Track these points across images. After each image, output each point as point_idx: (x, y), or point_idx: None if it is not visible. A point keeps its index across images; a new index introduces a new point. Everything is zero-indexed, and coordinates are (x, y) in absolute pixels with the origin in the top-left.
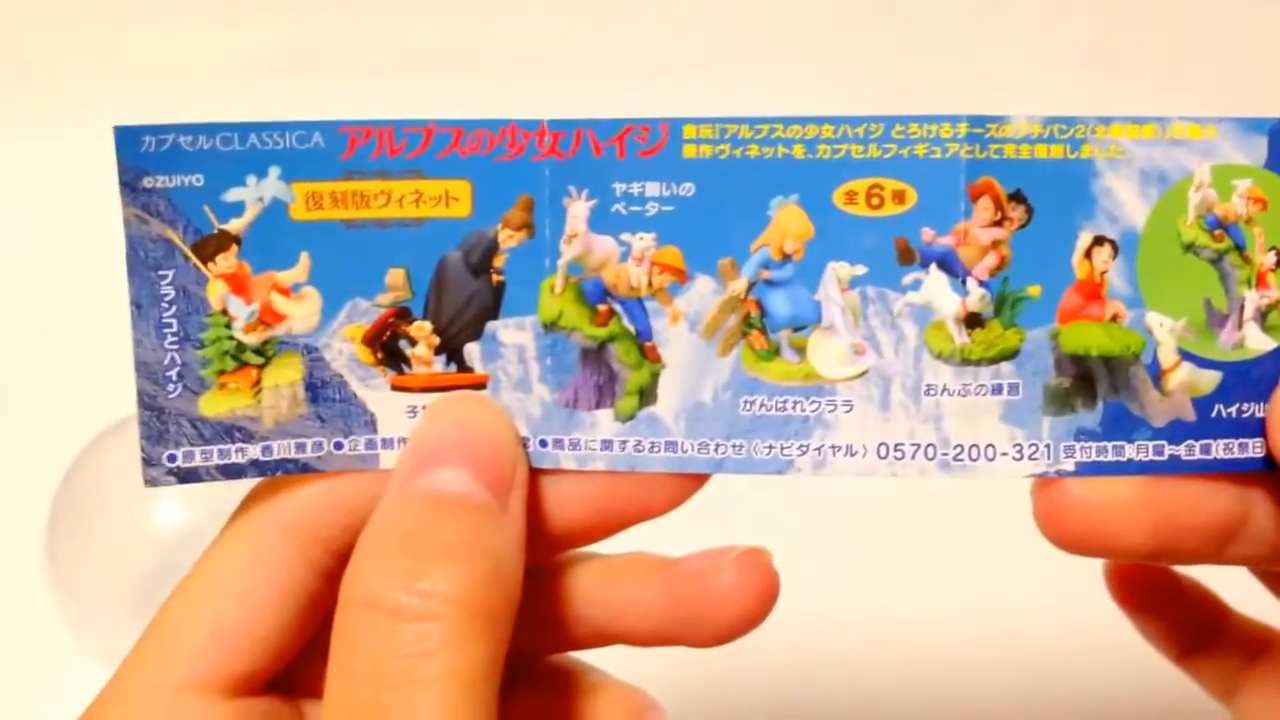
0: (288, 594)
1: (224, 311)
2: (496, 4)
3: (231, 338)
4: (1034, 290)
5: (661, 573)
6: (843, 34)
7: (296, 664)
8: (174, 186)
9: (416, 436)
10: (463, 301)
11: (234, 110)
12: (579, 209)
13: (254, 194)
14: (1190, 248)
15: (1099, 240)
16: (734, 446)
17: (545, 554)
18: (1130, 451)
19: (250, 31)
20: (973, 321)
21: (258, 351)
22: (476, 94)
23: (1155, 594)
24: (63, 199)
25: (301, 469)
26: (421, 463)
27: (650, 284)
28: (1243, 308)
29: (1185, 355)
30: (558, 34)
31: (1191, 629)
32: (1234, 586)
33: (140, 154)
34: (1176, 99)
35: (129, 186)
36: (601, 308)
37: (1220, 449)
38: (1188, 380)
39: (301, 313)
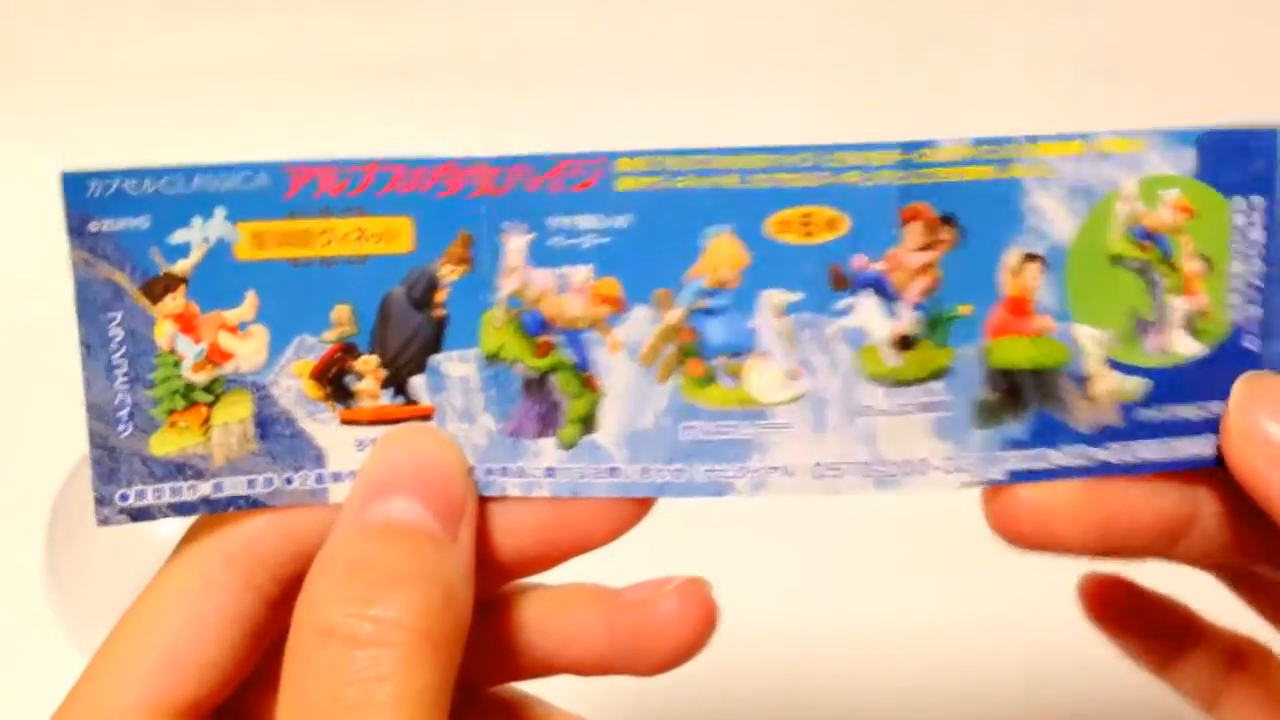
0: (234, 621)
1: (172, 351)
2: (485, 7)
3: (180, 377)
4: (964, 309)
5: (604, 603)
6: (836, 36)
7: (241, 693)
8: (120, 230)
9: (368, 468)
10: (407, 336)
11: (231, 113)
12: (516, 243)
13: (200, 235)
14: (1118, 260)
15: (1028, 257)
16: (674, 471)
17: (494, 584)
18: (1058, 458)
19: (250, 35)
20: (904, 344)
21: (207, 390)
22: (464, 98)
23: (1125, 610)
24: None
25: (252, 505)
26: (373, 493)
27: (588, 315)
28: (1170, 315)
29: (1113, 364)
30: (551, 37)
31: (1166, 642)
32: (1210, 593)
33: (86, 199)
34: (1173, 99)
35: (75, 231)
36: (541, 339)
37: (1148, 451)
38: (1115, 388)
39: (249, 350)
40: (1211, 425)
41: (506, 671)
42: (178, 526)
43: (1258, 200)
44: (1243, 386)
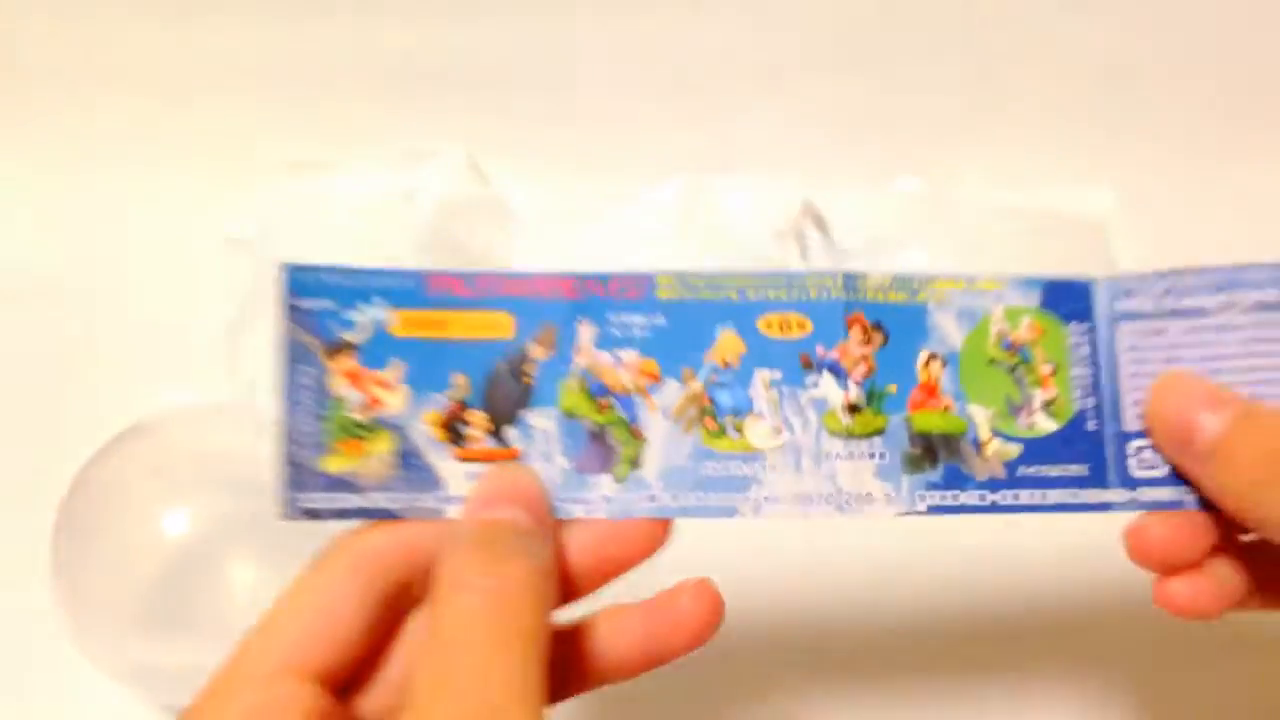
0: (356, 611)
1: (342, 398)
2: (499, 15)
3: (347, 416)
4: (892, 388)
5: (638, 611)
6: (839, 47)
7: (360, 669)
8: (314, 309)
9: (480, 488)
10: (506, 397)
11: (234, 118)
12: (586, 334)
13: (367, 316)
14: (994, 361)
15: (933, 356)
16: (697, 498)
17: (566, 597)
18: (964, 498)
19: (251, 39)
20: (853, 410)
21: (364, 428)
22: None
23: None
24: (69, 205)
25: (390, 516)
26: (486, 503)
27: (636, 385)
28: (1033, 401)
29: (996, 433)
30: (557, 44)
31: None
32: None
33: (295, 284)
34: (1177, 105)
35: (290, 307)
36: (602, 401)
37: (1026, 497)
38: (999, 450)
39: (394, 402)
40: (1066, 480)
41: (568, 688)
42: (186, 530)
43: (1083, 326)
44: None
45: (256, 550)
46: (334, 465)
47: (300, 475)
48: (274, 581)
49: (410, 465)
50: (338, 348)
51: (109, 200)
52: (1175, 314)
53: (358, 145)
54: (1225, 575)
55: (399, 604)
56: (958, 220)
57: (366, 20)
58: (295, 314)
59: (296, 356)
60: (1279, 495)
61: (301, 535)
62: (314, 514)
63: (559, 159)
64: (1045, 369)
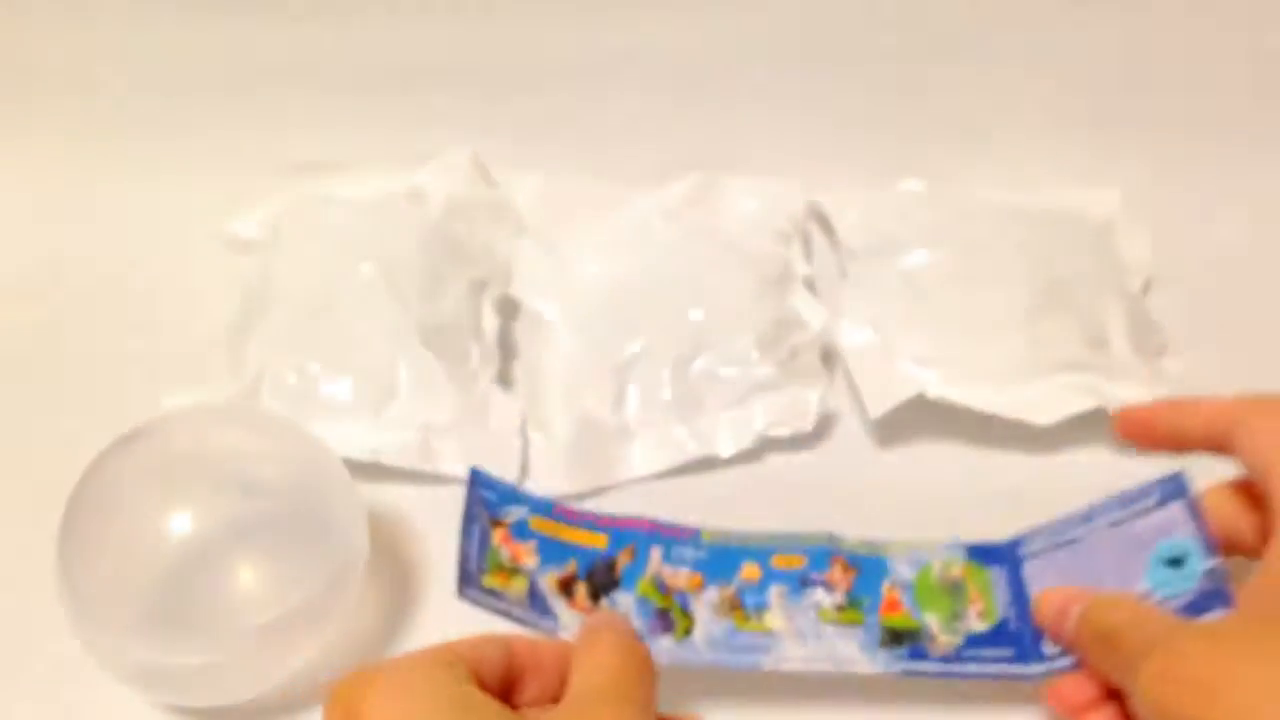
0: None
1: (497, 548)
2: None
3: (499, 560)
4: (866, 600)
5: None
6: (845, 48)
7: None
8: (486, 497)
9: (589, 621)
10: (601, 582)
11: (240, 119)
12: (656, 554)
13: (515, 514)
14: (938, 589)
15: (893, 585)
16: (731, 658)
17: None
18: (924, 667)
19: (256, 41)
20: (839, 609)
21: (509, 569)
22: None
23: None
24: (72, 205)
25: (520, 623)
26: (594, 627)
27: (688, 588)
28: (968, 612)
29: (943, 630)
30: (560, 44)
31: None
32: None
33: (477, 483)
34: (1182, 107)
35: (474, 499)
36: (666, 594)
37: (968, 670)
38: (947, 641)
39: (530, 563)
40: (999, 659)
41: None
42: (190, 530)
43: (1001, 567)
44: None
45: (259, 550)
46: (489, 582)
47: (469, 578)
48: (275, 582)
49: (536, 600)
50: (498, 521)
51: (112, 200)
52: (1059, 547)
53: (363, 145)
54: (1109, 714)
55: (496, 690)
56: (962, 221)
57: (371, 21)
58: (476, 501)
59: (474, 516)
60: (1108, 658)
61: (303, 538)
62: (476, 603)
63: (563, 159)
64: (975, 592)
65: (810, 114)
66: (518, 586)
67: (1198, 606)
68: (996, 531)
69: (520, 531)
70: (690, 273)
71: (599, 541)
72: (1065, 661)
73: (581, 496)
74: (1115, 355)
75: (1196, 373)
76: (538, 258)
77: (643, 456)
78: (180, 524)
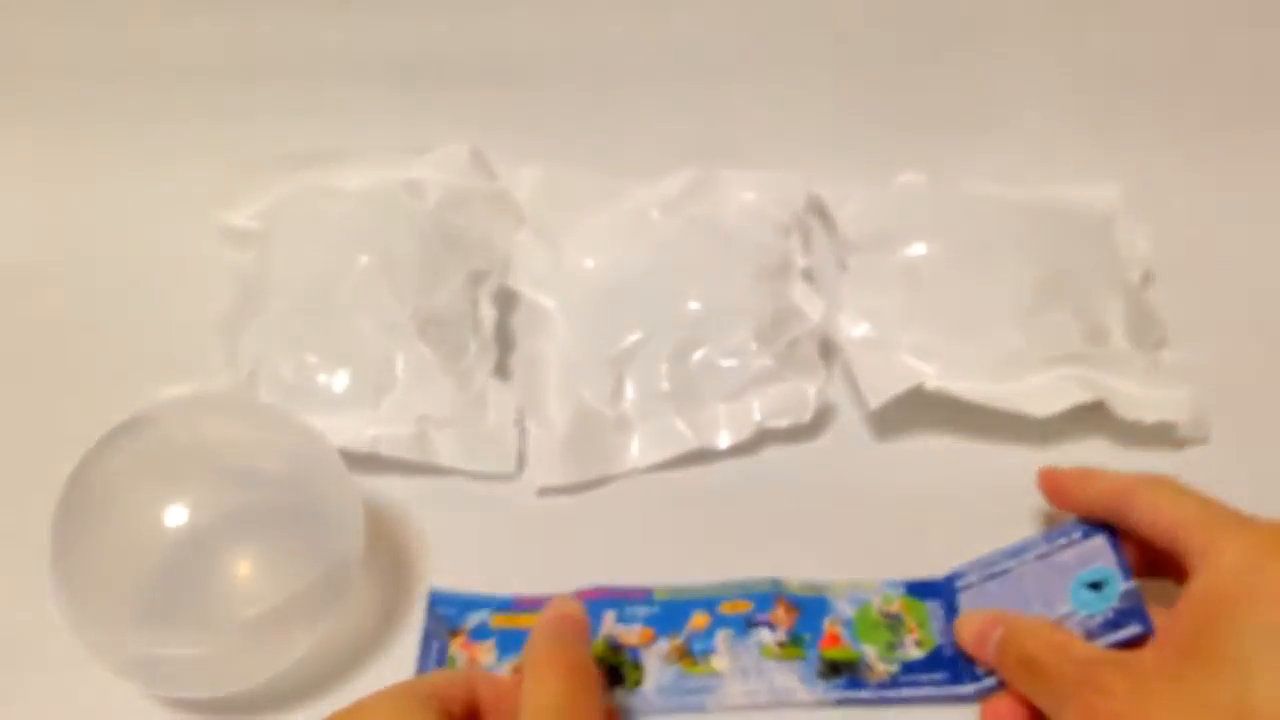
0: None
1: (454, 656)
2: (504, 10)
3: (456, 667)
4: (807, 636)
5: None
6: (845, 42)
7: None
8: (444, 613)
9: (536, 630)
10: None
11: (239, 111)
12: (609, 618)
13: (476, 618)
14: (876, 623)
15: (834, 620)
16: (678, 702)
17: None
18: (861, 695)
19: (255, 33)
20: (781, 646)
21: None
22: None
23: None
24: (69, 196)
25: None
26: (540, 648)
27: (640, 643)
28: (905, 641)
29: (881, 660)
30: (559, 37)
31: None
32: None
33: (434, 600)
34: (1181, 102)
35: (431, 618)
36: (619, 649)
37: (903, 695)
38: (883, 669)
39: (487, 660)
40: (933, 682)
41: None
42: (186, 524)
43: (937, 600)
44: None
45: (254, 542)
46: None
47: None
48: (270, 573)
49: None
50: (457, 633)
51: (108, 191)
52: (990, 578)
53: (362, 136)
54: None
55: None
56: (961, 214)
57: (371, 14)
58: (434, 616)
59: (431, 634)
60: (1031, 685)
61: (299, 529)
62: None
63: (562, 152)
64: (913, 624)
65: (811, 107)
66: None
67: (1115, 623)
68: (993, 524)
69: (479, 633)
70: (689, 265)
71: None
72: (996, 679)
73: (578, 488)
74: (1114, 348)
75: (1194, 366)
76: (536, 250)
77: (641, 448)
78: (175, 515)
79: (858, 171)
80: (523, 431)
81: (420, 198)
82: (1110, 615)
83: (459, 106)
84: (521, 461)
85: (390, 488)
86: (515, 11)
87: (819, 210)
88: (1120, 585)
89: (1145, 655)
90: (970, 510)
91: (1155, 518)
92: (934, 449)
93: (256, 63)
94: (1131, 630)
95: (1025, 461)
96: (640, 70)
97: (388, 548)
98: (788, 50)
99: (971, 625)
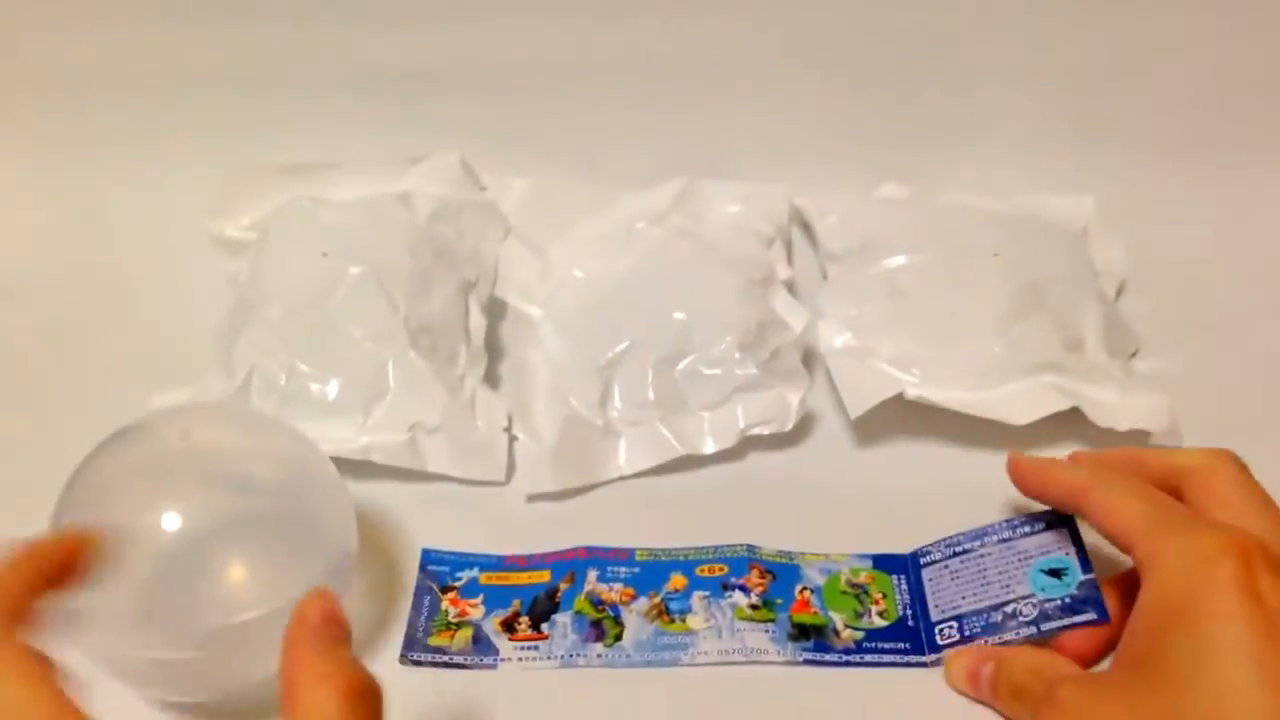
0: None
1: (445, 610)
2: (494, 23)
3: (447, 619)
4: (779, 600)
5: None
6: (830, 53)
7: None
8: (437, 570)
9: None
10: (542, 610)
11: (231, 121)
12: (592, 576)
13: (467, 575)
14: (844, 592)
15: (804, 589)
16: (655, 657)
17: None
18: (827, 658)
19: (249, 45)
20: (754, 608)
21: (456, 625)
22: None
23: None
24: (66, 206)
25: (464, 667)
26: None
27: (620, 600)
28: (870, 611)
29: (848, 626)
30: (548, 50)
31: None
32: None
33: (427, 558)
34: (1156, 115)
35: (423, 569)
36: (600, 607)
37: (868, 659)
38: (849, 635)
39: (476, 614)
40: (896, 651)
41: None
42: (180, 528)
43: (901, 575)
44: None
45: (248, 548)
46: (434, 641)
47: (412, 643)
48: (265, 579)
49: (480, 643)
50: (448, 588)
51: (104, 201)
52: (954, 555)
53: (353, 147)
54: None
55: None
56: (940, 225)
57: (362, 26)
58: (426, 571)
59: (423, 590)
60: (1019, 710)
61: (293, 536)
62: (418, 662)
63: (550, 163)
64: (878, 595)
65: (794, 120)
66: (463, 636)
67: (1073, 609)
68: (971, 527)
69: (470, 590)
70: (674, 275)
71: (543, 576)
72: (957, 650)
73: (567, 494)
74: (1089, 357)
75: (1167, 375)
76: (524, 260)
77: (628, 455)
78: (169, 521)
79: (841, 185)
80: (512, 439)
81: (411, 209)
82: (1068, 601)
83: (448, 118)
84: (511, 468)
85: (382, 494)
86: (504, 25)
87: (801, 221)
88: (1079, 575)
89: (1106, 671)
90: (949, 514)
91: (1106, 521)
92: (914, 457)
93: (250, 75)
94: (1088, 616)
95: (1003, 468)
96: (627, 84)
97: (380, 553)
98: (772, 65)
99: (961, 664)
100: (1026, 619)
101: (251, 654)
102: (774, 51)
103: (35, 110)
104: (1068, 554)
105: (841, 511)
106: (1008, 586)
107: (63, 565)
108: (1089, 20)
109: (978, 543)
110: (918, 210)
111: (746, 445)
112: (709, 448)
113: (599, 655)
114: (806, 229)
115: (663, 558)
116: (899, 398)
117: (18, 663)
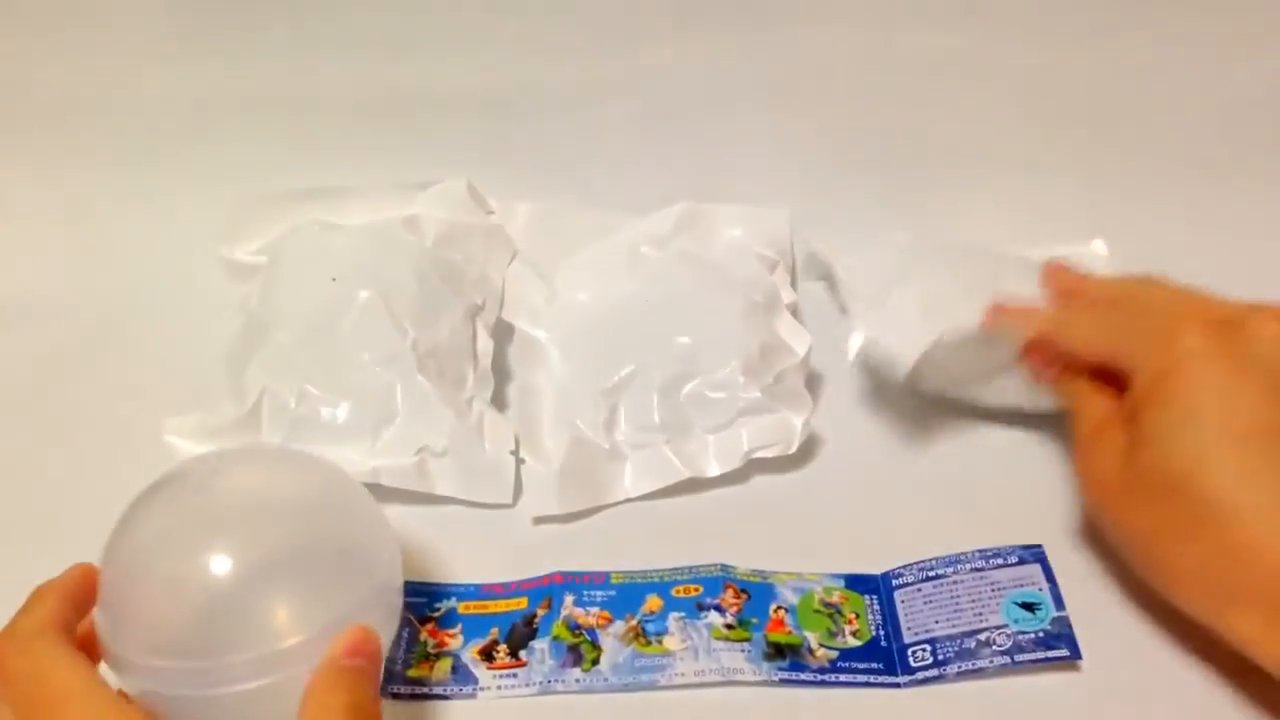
0: None
1: (424, 641)
2: (500, 50)
3: (425, 652)
4: (755, 620)
5: None
6: (833, 85)
7: None
8: (416, 602)
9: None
10: (520, 636)
11: (241, 148)
12: (568, 599)
13: (444, 606)
14: (818, 611)
15: (779, 608)
16: (632, 680)
17: None
18: (802, 677)
19: (259, 72)
20: (730, 628)
21: (435, 656)
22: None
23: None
24: (78, 231)
25: (445, 696)
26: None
27: (597, 624)
28: (844, 630)
29: (822, 645)
30: (555, 77)
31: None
32: None
33: (404, 594)
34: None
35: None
36: (577, 632)
37: (842, 678)
38: (823, 655)
39: (454, 644)
40: (869, 671)
41: None
42: (214, 577)
43: (874, 596)
44: None
45: (291, 590)
46: (414, 673)
47: (391, 677)
48: (308, 617)
49: (459, 672)
50: (426, 619)
51: (114, 226)
52: (928, 579)
53: (361, 173)
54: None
55: None
56: (951, 263)
57: (371, 53)
58: (410, 606)
59: (401, 623)
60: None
61: (333, 580)
62: (397, 696)
63: (556, 188)
64: (851, 615)
65: (799, 146)
66: (442, 667)
67: (1047, 644)
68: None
69: (448, 620)
70: (678, 299)
71: (520, 604)
72: (931, 673)
73: (573, 517)
74: None
75: None
76: (531, 284)
77: (633, 477)
78: (219, 565)
79: (840, 209)
80: (519, 462)
81: (419, 233)
82: (1042, 635)
83: (457, 145)
84: (519, 491)
85: (391, 516)
86: (510, 51)
87: (807, 253)
88: (1053, 612)
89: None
90: (952, 539)
91: (1084, 354)
92: (917, 480)
93: (260, 101)
94: (1061, 652)
95: (1007, 491)
96: (632, 111)
97: None
98: (774, 93)
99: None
100: (1001, 649)
101: (294, 688)
102: (776, 80)
103: (47, 136)
104: (1041, 589)
105: (844, 535)
106: (980, 615)
107: (91, 593)
108: (1089, 52)
109: (951, 569)
110: (923, 250)
111: (750, 468)
112: (713, 470)
113: (577, 680)
114: (811, 260)
115: (638, 580)
116: (910, 410)
117: (74, 659)
